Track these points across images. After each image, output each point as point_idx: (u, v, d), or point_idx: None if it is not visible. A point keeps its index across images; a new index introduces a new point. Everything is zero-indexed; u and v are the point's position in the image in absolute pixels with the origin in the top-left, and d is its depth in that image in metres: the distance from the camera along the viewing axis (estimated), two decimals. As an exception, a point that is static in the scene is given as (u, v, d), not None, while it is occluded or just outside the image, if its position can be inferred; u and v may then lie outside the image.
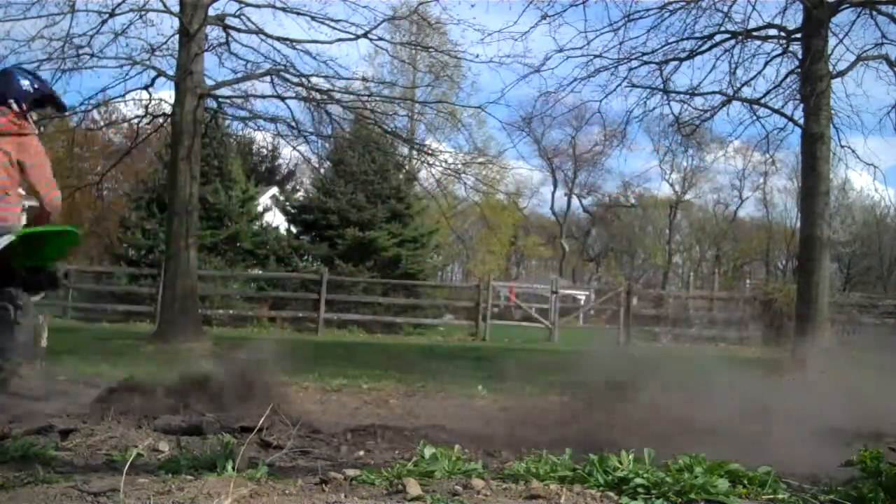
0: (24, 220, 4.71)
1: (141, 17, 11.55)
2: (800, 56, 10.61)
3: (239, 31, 12.00)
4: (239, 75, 12.34)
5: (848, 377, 5.57)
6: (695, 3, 10.60)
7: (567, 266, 49.10)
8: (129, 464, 2.35)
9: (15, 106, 4.63)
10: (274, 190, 29.68)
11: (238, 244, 22.24)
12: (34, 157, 4.70)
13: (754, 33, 10.99)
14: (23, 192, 4.88)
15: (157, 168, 22.21)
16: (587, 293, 33.59)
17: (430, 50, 13.91)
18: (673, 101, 11.50)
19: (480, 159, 17.51)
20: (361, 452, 3.41)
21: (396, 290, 20.88)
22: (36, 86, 4.84)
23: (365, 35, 11.99)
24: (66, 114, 7.64)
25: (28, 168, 4.67)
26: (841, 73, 10.61)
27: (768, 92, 11.25)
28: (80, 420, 3.72)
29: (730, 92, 11.21)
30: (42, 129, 13.92)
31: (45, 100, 4.96)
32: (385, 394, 6.21)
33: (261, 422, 3.77)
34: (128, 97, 12.52)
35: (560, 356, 12.54)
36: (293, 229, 24.40)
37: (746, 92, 11.32)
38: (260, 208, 24.70)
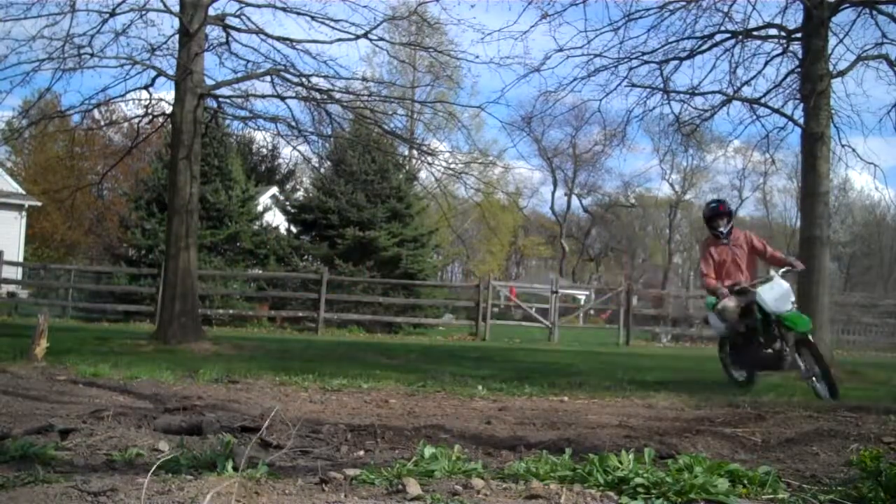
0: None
1: (141, 16, 11.52)
2: (800, 56, 10.58)
3: (239, 30, 12.00)
4: (239, 75, 12.33)
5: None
6: (695, 2, 10.56)
7: (567, 266, 49.14)
8: (129, 464, 2.35)
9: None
10: (274, 190, 29.69)
11: (238, 244, 22.25)
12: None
13: (754, 33, 10.95)
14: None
15: (158, 168, 22.20)
16: (587, 293, 33.66)
17: (430, 50, 13.90)
18: (673, 100, 11.43)
19: (480, 160, 17.50)
20: (361, 452, 3.41)
21: (396, 290, 20.89)
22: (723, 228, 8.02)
23: (365, 35, 11.97)
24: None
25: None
26: (841, 73, 10.58)
27: (768, 92, 11.21)
28: (80, 420, 3.72)
29: (730, 91, 11.17)
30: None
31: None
32: (385, 394, 6.19)
33: (261, 422, 3.77)
34: (128, 97, 12.49)
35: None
36: (293, 229, 24.41)
37: (746, 91, 11.28)
38: (260, 208, 24.69)
